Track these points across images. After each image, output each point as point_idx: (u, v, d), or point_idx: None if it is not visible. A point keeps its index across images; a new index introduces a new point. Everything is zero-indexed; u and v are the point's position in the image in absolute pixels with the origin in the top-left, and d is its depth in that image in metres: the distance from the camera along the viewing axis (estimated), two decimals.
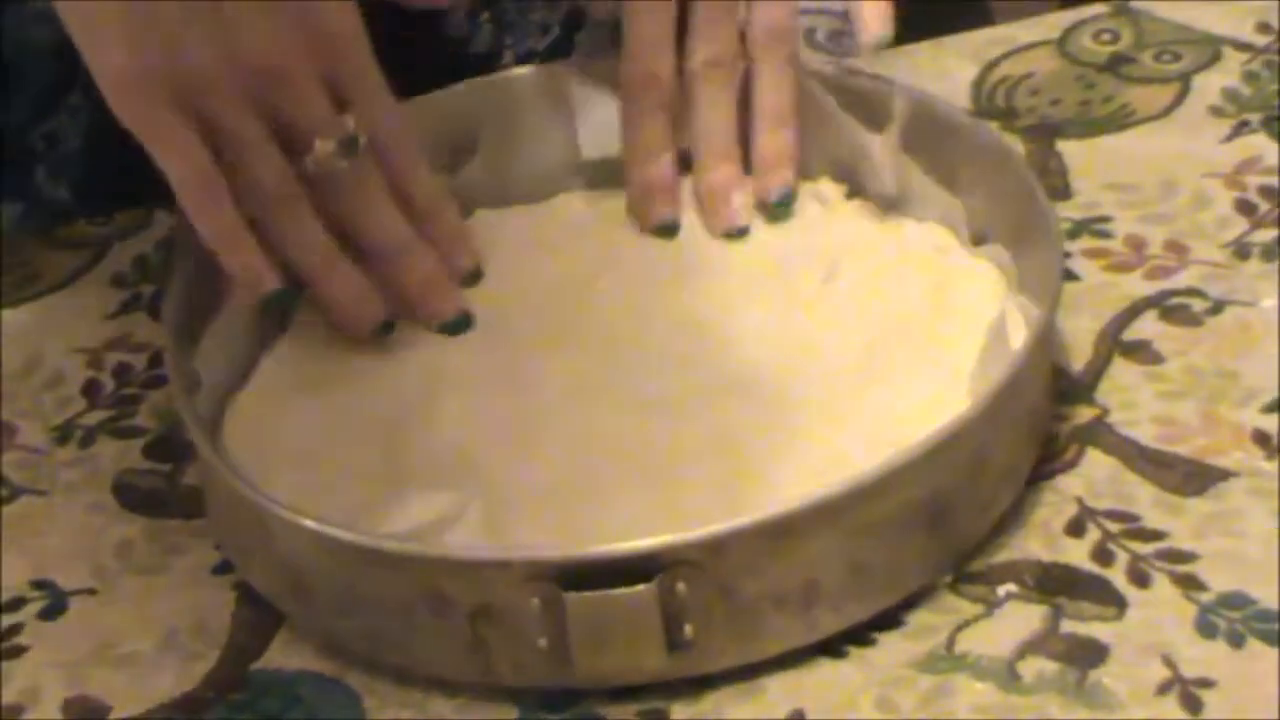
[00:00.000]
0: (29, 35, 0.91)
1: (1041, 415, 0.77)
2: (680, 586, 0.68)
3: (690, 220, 0.86)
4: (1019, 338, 0.76)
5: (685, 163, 0.86)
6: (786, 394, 0.77)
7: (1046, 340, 0.77)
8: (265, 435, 0.78)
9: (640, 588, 0.67)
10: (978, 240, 0.82)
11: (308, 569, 0.72)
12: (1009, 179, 0.80)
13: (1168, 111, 0.91)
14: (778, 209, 0.84)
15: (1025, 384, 0.74)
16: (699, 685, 0.71)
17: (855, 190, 0.85)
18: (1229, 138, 0.89)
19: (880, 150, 0.83)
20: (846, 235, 0.84)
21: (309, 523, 0.71)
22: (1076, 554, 0.74)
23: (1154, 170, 0.88)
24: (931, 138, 0.83)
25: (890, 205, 0.84)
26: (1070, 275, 0.84)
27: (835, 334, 0.80)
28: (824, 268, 0.82)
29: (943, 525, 0.72)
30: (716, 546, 0.68)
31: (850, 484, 0.69)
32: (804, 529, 0.69)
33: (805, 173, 0.85)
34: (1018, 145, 0.88)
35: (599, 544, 0.69)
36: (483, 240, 0.85)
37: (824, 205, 0.85)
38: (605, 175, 0.87)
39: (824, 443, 0.75)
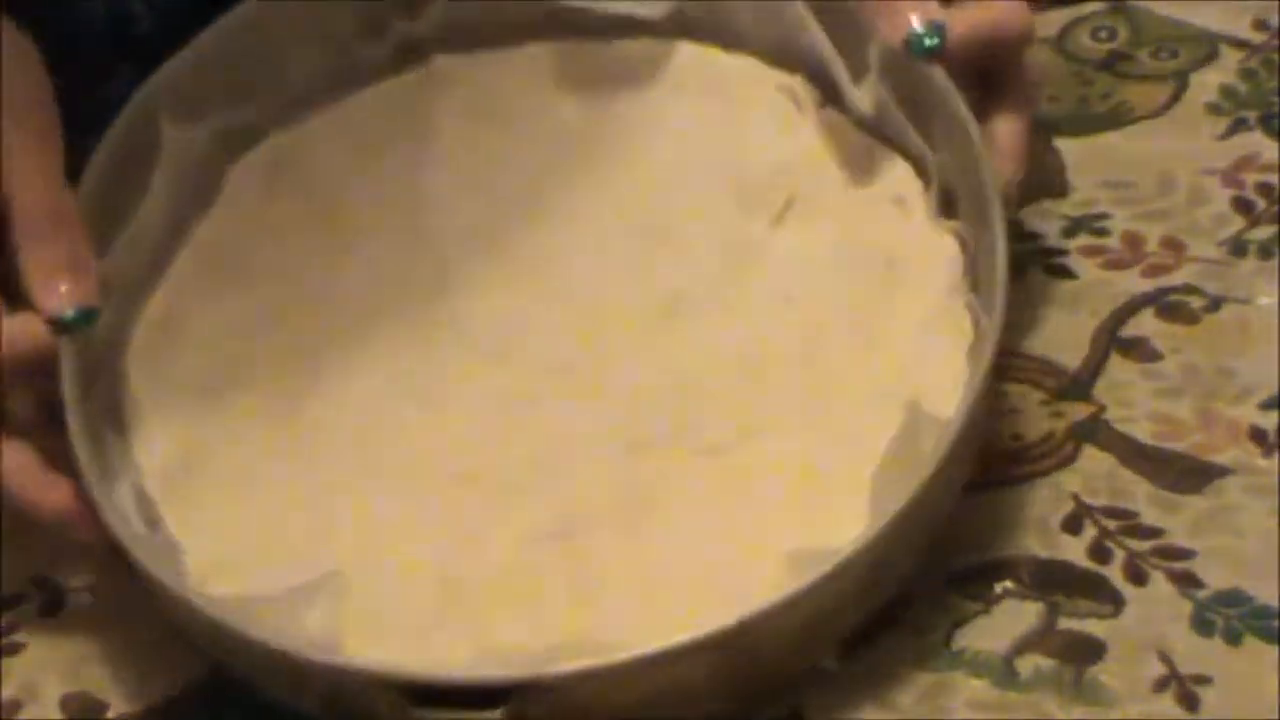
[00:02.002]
0: None
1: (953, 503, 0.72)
2: (531, 711, 0.66)
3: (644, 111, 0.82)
4: (960, 352, 0.73)
5: None
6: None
7: (962, 446, 0.70)
8: (166, 360, 0.77)
9: (489, 713, 0.66)
10: (946, 196, 0.77)
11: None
12: (967, 155, 0.75)
13: (1165, 109, 0.91)
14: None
15: (931, 503, 0.69)
16: None
17: (827, 98, 0.80)
18: (1226, 135, 0.89)
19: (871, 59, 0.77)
20: (810, 151, 0.80)
21: (166, 582, 0.69)
22: (1073, 551, 0.74)
23: (1151, 167, 0.87)
24: (909, 80, 0.77)
25: (862, 124, 0.79)
26: (1067, 272, 0.84)
27: (764, 335, 0.77)
28: (778, 198, 0.79)
29: (811, 649, 0.70)
30: (566, 681, 0.66)
31: (705, 634, 0.65)
32: (657, 669, 0.66)
33: (781, 64, 0.81)
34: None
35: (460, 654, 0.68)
36: (434, 103, 0.82)
37: (796, 106, 0.81)
38: (580, 25, 0.83)
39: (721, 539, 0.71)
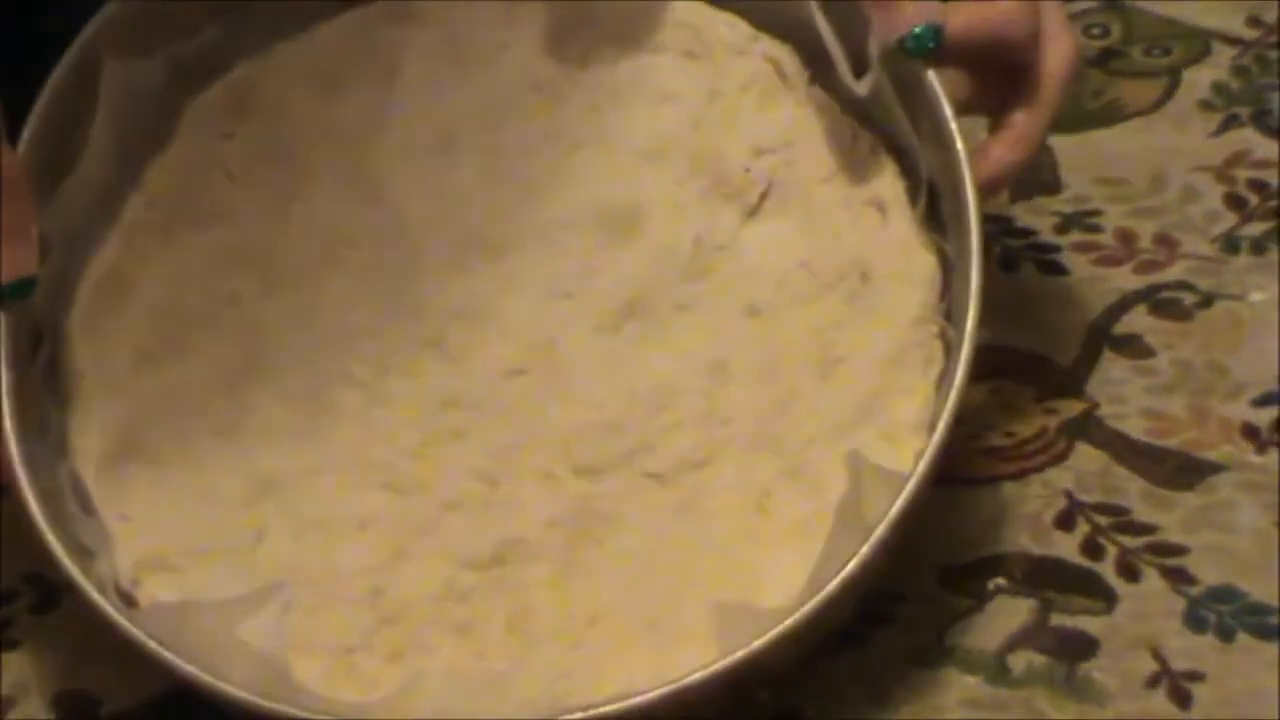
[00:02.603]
0: None
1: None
2: None
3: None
4: (928, 381, 0.69)
5: None
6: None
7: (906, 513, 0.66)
8: (110, 324, 0.74)
9: None
10: (931, 192, 0.72)
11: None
12: (952, 172, 0.71)
13: (1157, 106, 0.91)
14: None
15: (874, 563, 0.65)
16: None
17: (818, 74, 0.75)
18: (1218, 132, 0.89)
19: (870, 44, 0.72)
20: (790, 133, 0.75)
21: (100, 604, 0.67)
22: (1066, 547, 0.74)
23: (1144, 164, 0.88)
24: (904, 73, 0.72)
25: (849, 108, 0.75)
26: (1060, 269, 0.84)
27: (725, 349, 0.73)
28: (754, 189, 0.75)
29: (739, 698, 0.68)
30: None
31: (626, 705, 0.64)
32: None
33: (773, 32, 0.77)
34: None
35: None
36: (404, 43, 0.78)
37: (781, 80, 0.76)
38: None
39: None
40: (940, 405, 0.67)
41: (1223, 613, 0.71)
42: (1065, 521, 0.75)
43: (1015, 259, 0.84)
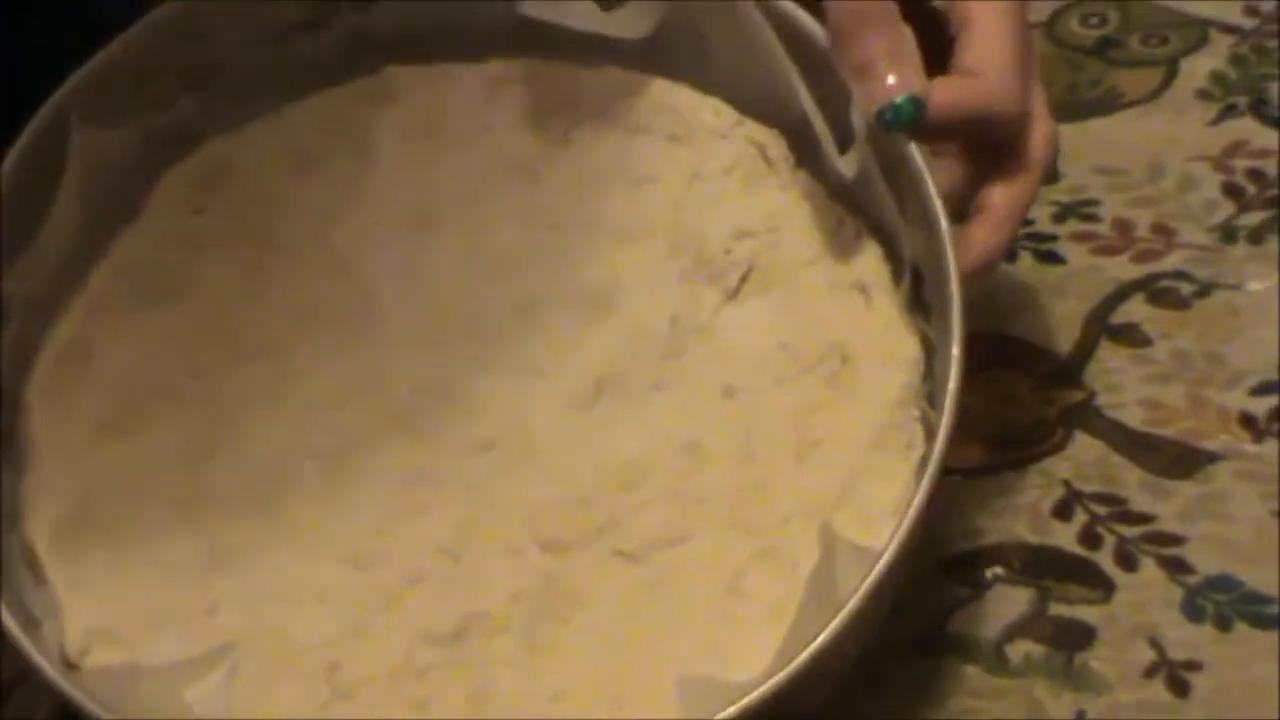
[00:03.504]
0: None
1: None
2: None
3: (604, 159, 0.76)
4: (908, 466, 0.67)
5: None
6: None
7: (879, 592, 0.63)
8: (71, 393, 0.71)
9: None
10: (915, 275, 0.70)
11: None
12: (937, 255, 0.67)
13: (1155, 95, 0.91)
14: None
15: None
16: None
17: (804, 158, 0.73)
18: (1216, 121, 0.89)
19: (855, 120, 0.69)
20: (774, 217, 0.73)
21: (43, 666, 0.64)
22: (1064, 537, 0.74)
23: (1141, 154, 0.88)
24: (889, 151, 0.69)
25: (836, 193, 0.72)
26: (1057, 258, 0.84)
27: (699, 430, 0.70)
28: (734, 272, 0.73)
29: None
30: None
31: None
32: None
33: (760, 115, 0.75)
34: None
35: None
36: (378, 119, 0.76)
37: (766, 163, 0.74)
38: (549, 41, 0.75)
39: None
40: (917, 487, 0.65)
41: (1220, 602, 0.72)
42: (1063, 511, 0.75)
43: (1013, 248, 0.84)
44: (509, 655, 0.66)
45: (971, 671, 0.71)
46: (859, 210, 0.72)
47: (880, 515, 0.66)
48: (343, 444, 0.71)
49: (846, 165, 0.70)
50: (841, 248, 0.72)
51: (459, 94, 0.77)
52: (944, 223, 0.67)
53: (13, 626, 0.64)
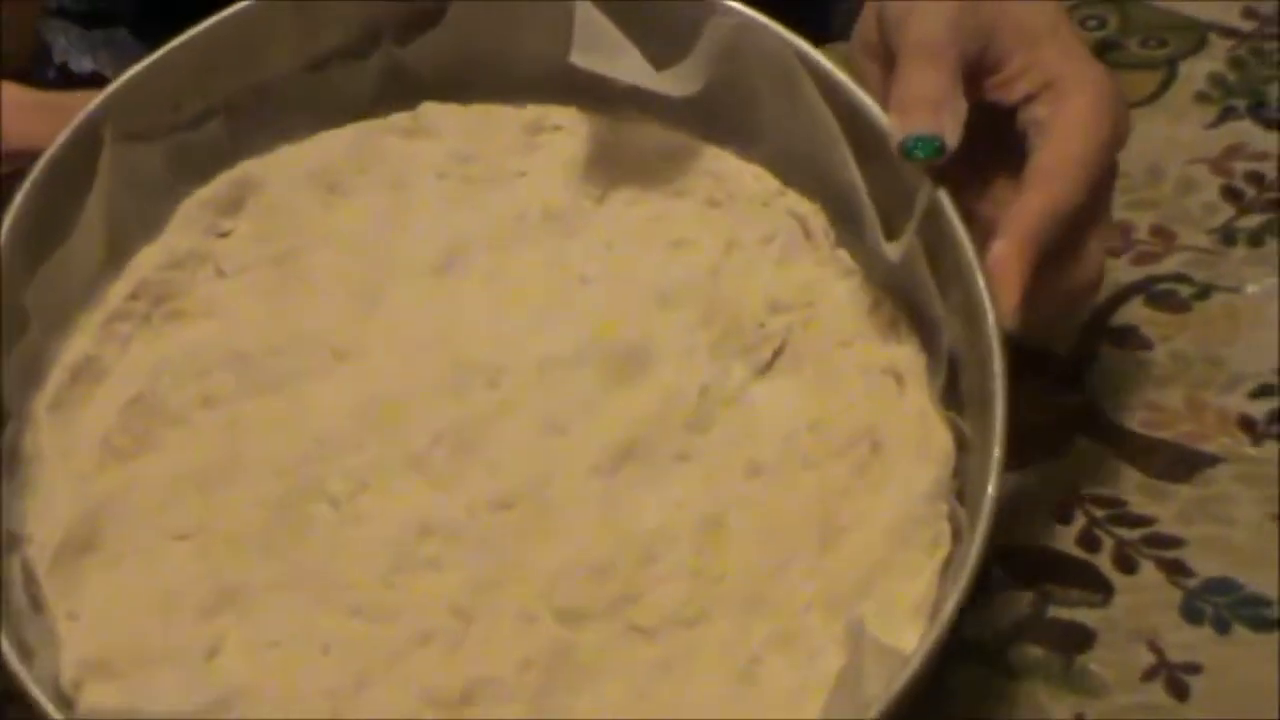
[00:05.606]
0: None
1: None
2: None
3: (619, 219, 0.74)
4: (932, 564, 0.66)
5: None
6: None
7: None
8: (80, 411, 0.70)
9: None
10: (952, 370, 0.69)
11: None
12: (978, 334, 0.67)
13: (1154, 97, 0.91)
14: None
15: None
16: None
17: (844, 235, 0.73)
18: (1215, 124, 0.89)
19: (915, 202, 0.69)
20: (810, 293, 0.72)
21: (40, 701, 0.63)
22: (1063, 539, 0.74)
23: (1141, 156, 0.87)
24: (937, 240, 0.69)
25: (873, 276, 0.72)
26: None
27: (722, 506, 0.68)
28: (767, 347, 0.71)
29: None
30: None
31: None
32: None
33: (802, 185, 0.74)
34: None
35: None
36: (413, 156, 0.74)
37: (805, 236, 0.73)
38: (591, 90, 0.74)
39: None
40: (948, 589, 0.63)
41: (1220, 605, 0.72)
42: (1063, 513, 0.75)
43: None
44: None
45: (972, 674, 0.71)
46: (897, 295, 0.71)
47: (903, 614, 0.65)
48: (355, 486, 0.69)
49: (893, 250, 0.69)
50: (877, 331, 0.71)
51: (496, 136, 0.76)
52: (991, 316, 0.66)
53: (11, 658, 0.63)
